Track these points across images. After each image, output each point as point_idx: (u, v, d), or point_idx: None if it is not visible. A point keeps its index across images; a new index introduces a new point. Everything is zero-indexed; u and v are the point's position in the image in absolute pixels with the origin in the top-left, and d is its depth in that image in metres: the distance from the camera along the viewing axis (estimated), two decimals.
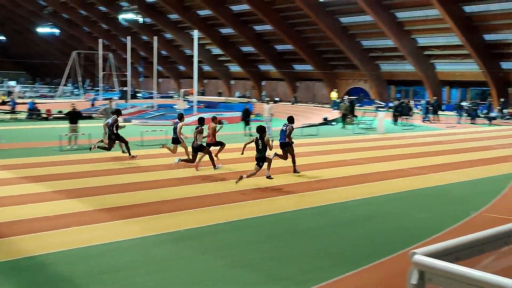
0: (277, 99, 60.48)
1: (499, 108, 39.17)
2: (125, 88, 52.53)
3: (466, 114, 36.94)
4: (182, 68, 73.76)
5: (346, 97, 43.18)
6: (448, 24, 39.42)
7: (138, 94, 63.39)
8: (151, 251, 8.25)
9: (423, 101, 40.69)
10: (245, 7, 52.93)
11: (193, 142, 14.87)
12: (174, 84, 76.71)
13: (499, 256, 2.58)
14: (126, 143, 17.39)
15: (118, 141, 17.50)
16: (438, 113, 37.62)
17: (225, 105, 41.82)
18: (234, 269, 7.55)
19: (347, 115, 31.80)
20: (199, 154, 15.19)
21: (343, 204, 11.59)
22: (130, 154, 17.24)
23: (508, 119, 39.02)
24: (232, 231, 9.39)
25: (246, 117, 26.30)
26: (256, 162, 13.30)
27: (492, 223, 2.44)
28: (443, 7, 38.03)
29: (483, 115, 37.92)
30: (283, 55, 59.42)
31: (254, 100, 52.85)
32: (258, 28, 57.14)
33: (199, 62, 56.28)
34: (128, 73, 48.69)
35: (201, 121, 15.36)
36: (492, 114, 37.33)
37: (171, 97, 63.42)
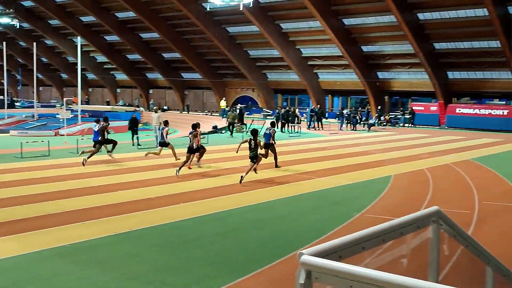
0: (165, 107, 59.92)
1: (377, 115, 41.84)
2: (1, 97, 49.16)
3: (347, 121, 39.05)
4: (65, 76, 70.61)
5: (239, 105, 43.92)
6: (329, 36, 41.52)
7: (17, 104, 59.57)
8: (35, 268, 7.81)
9: (307, 109, 42.36)
10: (131, 14, 51.97)
11: (190, 144, 16.93)
12: (57, 92, 73.24)
13: (379, 252, 2.79)
14: None
15: None
16: (322, 120, 39.37)
17: (111, 114, 40.55)
18: (121, 282, 7.36)
19: (234, 124, 32.10)
20: (190, 155, 17.11)
21: (236, 210, 11.74)
22: None
23: (384, 125, 41.82)
24: (121, 243, 9.14)
25: (133, 126, 25.73)
26: (250, 160, 15.47)
27: (372, 223, 2.65)
28: (324, 20, 40.03)
29: (362, 122, 40.30)
30: (171, 63, 59.03)
31: (141, 108, 51.87)
32: (145, 35, 56.30)
33: (83, 69, 54.27)
34: (5, 81, 45.73)
35: (194, 126, 17.52)
36: (371, 121, 39.80)
37: (54, 106, 60.43)
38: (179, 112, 59.14)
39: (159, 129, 25.04)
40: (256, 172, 15.91)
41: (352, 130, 38.03)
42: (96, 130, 18.85)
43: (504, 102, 39.25)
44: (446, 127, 40.00)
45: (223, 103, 51.39)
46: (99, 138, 18.66)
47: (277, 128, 33.65)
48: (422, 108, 42.38)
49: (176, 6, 46.34)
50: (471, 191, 14.56)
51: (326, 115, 45.21)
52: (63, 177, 15.60)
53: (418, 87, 43.33)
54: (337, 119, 40.37)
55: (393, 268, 3.01)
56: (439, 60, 40.44)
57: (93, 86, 69.76)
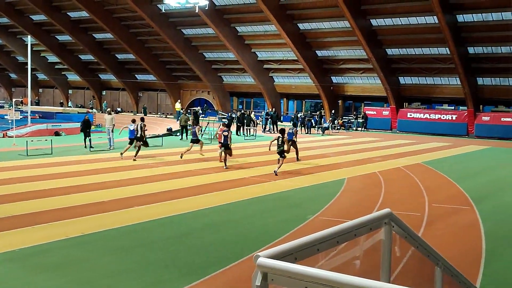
0: (118, 109, 59.05)
1: (331, 119, 42.47)
2: None
3: (301, 125, 39.47)
4: (14, 76, 68.55)
5: (198, 108, 43.52)
6: (285, 40, 41.89)
7: None
8: None
9: (263, 112, 42.56)
10: (84, 14, 50.96)
11: (224, 140, 19.09)
12: (5, 93, 71.02)
13: (333, 254, 2.84)
14: None
15: None
16: (277, 123, 39.62)
17: (63, 116, 39.64)
18: None
19: (187, 126, 31.36)
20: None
21: (192, 213, 11.67)
22: None
23: (338, 129, 42.49)
24: (73, 248, 8.95)
25: (86, 128, 25.21)
26: (278, 154, 17.94)
27: (326, 225, 2.70)
28: (280, 24, 40.37)
29: (317, 126, 40.82)
30: (125, 64, 58.21)
31: (94, 110, 50.92)
32: (98, 36, 55.32)
33: (33, 69, 52.82)
34: None
35: (228, 125, 20.55)
36: (325, 125, 40.36)
37: (2, 106, 58.61)
38: (132, 114, 58.34)
39: (112, 131, 24.66)
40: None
41: (306, 133, 38.46)
42: (131, 129, 21.15)
43: (452, 107, 40.54)
44: (397, 131, 40.99)
45: (178, 106, 51.03)
46: (136, 135, 20.98)
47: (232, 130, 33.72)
48: (375, 112, 43.29)
49: (130, 7, 45.75)
50: (422, 193, 14.97)
51: (281, 119, 45.62)
52: (11, 180, 15.15)
53: (371, 92, 44.26)
54: (291, 122, 40.74)
55: (347, 269, 3.07)
56: (391, 65, 41.43)
57: (44, 86, 67.98)
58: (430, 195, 14.58)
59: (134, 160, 20.05)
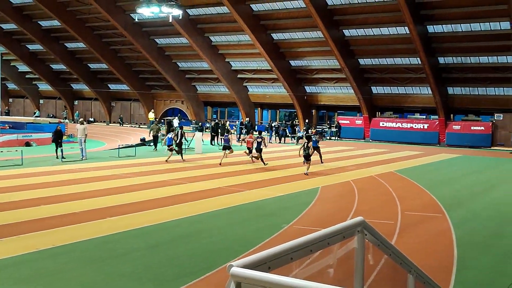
0: (91, 119, 58.40)
1: (305, 128, 42.69)
2: None
3: (275, 134, 39.60)
4: None
5: (176, 119, 43.33)
6: (258, 49, 42.07)
7: None
8: None
9: (237, 122, 42.56)
10: (55, 23, 50.36)
11: (258, 145, 23.18)
12: None
13: (307, 263, 2.85)
14: None
15: None
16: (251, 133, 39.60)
17: (33, 126, 39.00)
18: None
19: (158, 136, 30.83)
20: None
21: (165, 224, 11.57)
22: None
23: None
24: (44, 260, 8.77)
25: (58, 139, 24.82)
26: (304, 158, 20.88)
27: (300, 234, 2.70)
28: (253, 34, 40.55)
29: (290, 135, 40.98)
30: (97, 73, 57.64)
31: (66, 120, 50.24)
32: (70, 45, 54.69)
33: (3, 79, 52.00)
34: None
35: (260, 132, 25.07)
36: (299, 134, 40.56)
37: None
38: (105, 124, 57.76)
39: (84, 141, 24.34)
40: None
41: (280, 142, 38.59)
42: (169, 137, 24.60)
43: (424, 116, 41.21)
44: (370, 140, 41.43)
45: (151, 115, 50.68)
46: (176, 141, 23.98)
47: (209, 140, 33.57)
48: (348, 121, 43.71)
49: (103, 16, 45.40)
50: (394, 202, 15.13)
51: (256, 128, 45.61)
52: None
53: (344, 101, 44.68)
54: (266, 132, 40.86)
55: (321, 278, 3.09)
56: (363, 75, 41.92)
57: (14, 96, 66.81)
58: (403, 203, 14.75)
59: (167, 161, 23.42)
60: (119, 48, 52.14)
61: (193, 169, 21.60)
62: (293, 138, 40.37)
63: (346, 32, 39.30)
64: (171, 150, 24.28)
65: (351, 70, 39.86)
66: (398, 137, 40.36)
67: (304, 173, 20.52)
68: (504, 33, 33.18)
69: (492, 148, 37.23)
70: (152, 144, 30.96)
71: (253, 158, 24.17)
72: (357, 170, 22.58)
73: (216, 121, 39.84)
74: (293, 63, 44.65)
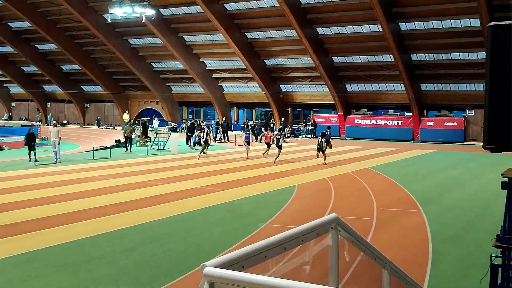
0: (64, 121, 57.66)
1: (280, 127, 42.78)
2: None
3: (252, 133, 39.55)
4: None
5: (156, 119, 43.03)
6: (233, 49, 42.03)
7: None
8: None
9: (213, 122, 42.43)
10: (26, 24, 49.54)
11: (277, 141, 24.97)
12: None
13: (282, 261, 2.85)
14: None
15: None
16: (228, 132, 39.58)
17: (5, 129, 38.29)
18: None
19: (131, 138, 30.29)
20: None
21: (140, 226, 11.48)
22: None
23: (288, 137, 42.84)
24: (18, 265, 8.61)
25: (30, 142, 24.42)
26: (317, 150, 23.58)
27: (277, 233, 2.70)
28: (228, 33, 40.51)
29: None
30: (70, 75, 56.93)
31: (39, 123, 49.49)
32: (41, 46, 53.90)
33: None
34: None
35: (281, 129, 26.88)
36: (275, 133, 40.52)
37: None
38: (79, 126, 57.07)
39: (58, 144, 23.95)
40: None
41: (256, 142, 38.59)
42: (195, 135, 27.66)
43: (398, 113, 41.67)
44: (345, 138, 41.74)
45: (126, 116, 50.25)
46: (203, 139, 26.52)
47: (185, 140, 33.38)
48: (323, 119, 43.92)
49: (75, 16, 44.84)
50: (370, 198, 15.27)
51: (232, 128, 45.65)
52: None
53: (319, 100, 44.93)
54: (242, 131, 40.82)
55: (296, 276, 3.09)
56: (337, 73, 42.21)
57: None
58: (378, 200, 14.90)
59: (198, 158, 25.31)
60: (91, 49, 51.56)
61: (168, 170, 21.47)
62: None
63: (320, 31, 39.52)
64: (200, 145, 26.89)
65: (325, 68, 40.11)
66: (373, 134, 40.74)
67: (323, 163, 23.26)
68: (475, 30, 33.74)
69: (465, 143, 37.86)
70: (124, 145, 30.21)
71: (264, 153, 26.15)
72: (333, 167, 22.73)
73: (192, 121, 39.66)
74: (267, 62, 44.73)
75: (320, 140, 23.81)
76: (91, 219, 12.07)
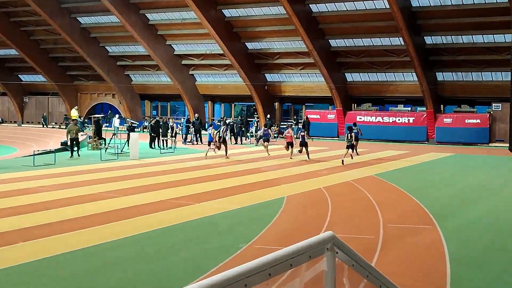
0: None
1: (266, 126, 42.78)
2: None
3: (231, 133, 39.55)
4: None
5: (117, 116, 42.48)
6: (207, 29, 41.89)
7: None
8: None
9: (183, 119, 42.32)
10: None
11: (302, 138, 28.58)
12: None
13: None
14: None
15: None
16: (201, 133, 39.42)
17: None
18: None
19: (78, 140, 29.61)
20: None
21: (93, 248, 11.40)
22: None
23: (275, 137, 42.83)
24: None
25: None
26: (346, 148, 26.73)
27: (261, 255, 2.71)
28: (200, 10, 40.23)
29: (250, 134, 40.97)
30: (5, 62, 56.51)
31: None
32: None
33: None
34: None
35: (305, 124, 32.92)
36: (259, 132, 40.65)
37: None
38: (16, 125, 56.57)
39: None
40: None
41: (236, 143, 38.55)
42: (209, 132, 31.09)
43: (409, 108, 41.98)
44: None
45: (74, 113, 49.92)
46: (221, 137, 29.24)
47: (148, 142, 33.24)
48: (318, 116, 44.08)
49: None
50: (375, 212, 15.36)
51: (206, 126, 45.52)
52: None
53: (313, 92, 45.04)
54: (212, 127, 40.76)
55: None
56: (336, 59, 42.41)
57: None
58: (385, 214, 14.99)
59: (227, 158, 28.76)
60: (32, 29, 51.19)
61: (127, 179, 21.38)
62: (251, 138, 40.41)
63: (314, 7, 39.66)
64: (215, 144, 29.32)
65: (320, 54, 40.24)
66: (379, 133, 40.95)
67: (342, 163, 26.12)
68: (501, 7, 33.91)
69: (490, 145, 38.17)
70: (70, 149, 29.44)
71: (292, 152, 28.80)
72: (330, 175, 22.83)
73: (157, 118, 39.53)
74: (250, 45, 44.75)
75: (349, 135, 26.86)
76: (31, 240, 11.95)
